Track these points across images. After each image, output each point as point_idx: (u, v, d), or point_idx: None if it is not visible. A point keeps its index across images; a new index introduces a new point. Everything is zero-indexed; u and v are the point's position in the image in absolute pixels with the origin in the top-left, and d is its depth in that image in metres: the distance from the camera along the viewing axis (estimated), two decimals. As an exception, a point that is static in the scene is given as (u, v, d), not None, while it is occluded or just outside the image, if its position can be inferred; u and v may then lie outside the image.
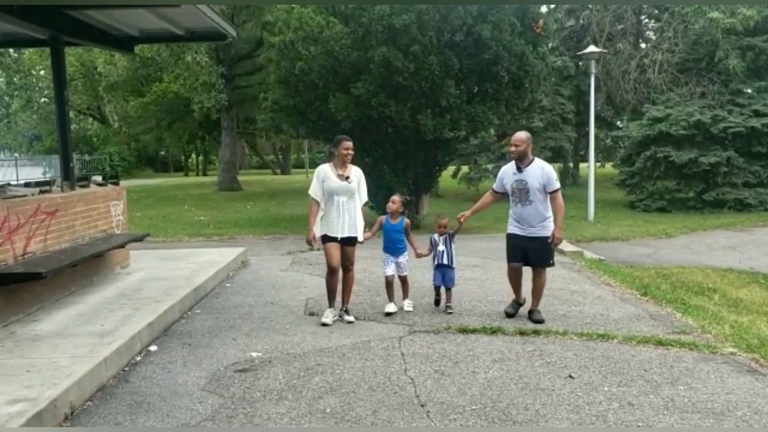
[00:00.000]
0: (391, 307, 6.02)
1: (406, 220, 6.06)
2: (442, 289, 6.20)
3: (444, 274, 6.10)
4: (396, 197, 6.07)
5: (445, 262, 6.05)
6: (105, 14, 6.98)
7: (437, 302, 6.26)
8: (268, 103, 14.71)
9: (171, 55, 23.40)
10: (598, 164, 28.01)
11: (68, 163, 7.36)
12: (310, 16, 12.29)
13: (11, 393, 3.71)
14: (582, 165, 28.53)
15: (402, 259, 6.05)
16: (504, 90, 12.75)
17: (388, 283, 6.09)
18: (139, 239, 7.56)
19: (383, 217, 6.09)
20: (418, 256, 6.16)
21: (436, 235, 6.18)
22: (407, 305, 6.18)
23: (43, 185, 6.39)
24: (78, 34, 7.20)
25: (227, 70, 26.46)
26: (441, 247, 6.09)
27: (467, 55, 12.16)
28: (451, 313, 5.96)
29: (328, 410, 3.78)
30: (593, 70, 16.72)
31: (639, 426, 3.55)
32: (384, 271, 6.11)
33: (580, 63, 22.24)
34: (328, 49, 12.06)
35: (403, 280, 6.17)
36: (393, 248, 6.02)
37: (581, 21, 24.60)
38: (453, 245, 6.15)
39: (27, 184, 6.57)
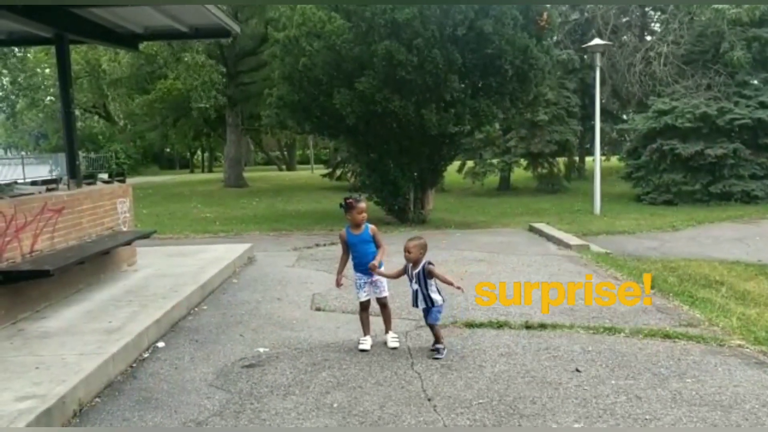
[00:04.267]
0: (366, 343, 4.80)
1: (372, 226, 4.87)
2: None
3: (424, 310, 4.70)
4: (359, 203, 4.78)
5: (420, 306, 4.67)
6: (109, 12, 6.99)
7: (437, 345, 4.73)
8: (272, 99, 14.73)
9: (171, 54, 23.49)
10: (604, 157, 27.93)
11: (74, 161, 7.37)
12: (312, 11, 12.31)
13: (20, 390, 3.74)
14: (588, 158, 28.46)
15: (377, 276, 4.81)
16: (508, 84, 12.72)
17: (363, 309, 4.88)
18: (146, 236, 7.58)
19: (343, 231, 4.90)
20: (372, 268, 4.70)
21: (409, 264, 4.71)
22: (391, 340, 4.87)
23: (50, 183, 6.42)
24: (82, 31, 7.21)
25: (232, 67, 26.49)
26: (414, 286, 4.66)
27: (470, 49, 12.13)
28: (438, 358, 4.55)
29: (335, 405, 3.79)
30: (598, 62, 16.64)
31: (646, 419, 3.54)
32: (357, 296, 4.91)
33: (585, 56, 22.14)
34: (330, 44, 12.07)
35: (383, 304, 4.89)
36: (366, 265, 4.79)
37: (586, 14, 24.51)
38: (431, 281, 4.61)
39: (34, 183, 6.61)
